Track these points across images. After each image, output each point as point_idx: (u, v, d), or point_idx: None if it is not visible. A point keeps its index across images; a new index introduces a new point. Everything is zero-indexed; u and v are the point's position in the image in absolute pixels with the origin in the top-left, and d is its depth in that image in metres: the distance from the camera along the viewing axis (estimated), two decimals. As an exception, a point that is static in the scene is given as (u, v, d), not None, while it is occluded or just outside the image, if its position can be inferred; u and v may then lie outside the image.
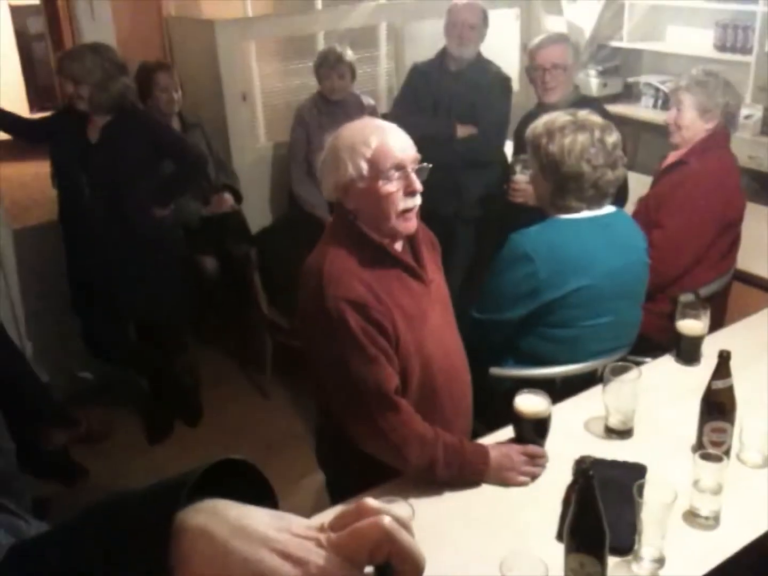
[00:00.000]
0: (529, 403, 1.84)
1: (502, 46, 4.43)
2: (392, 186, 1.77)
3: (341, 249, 1.79)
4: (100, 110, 3.12)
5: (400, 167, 1.77)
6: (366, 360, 1.73)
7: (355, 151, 1.75)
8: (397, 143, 1.78)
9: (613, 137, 2.15)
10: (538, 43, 3.28)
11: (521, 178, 2.90)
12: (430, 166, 1.84)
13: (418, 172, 1.81)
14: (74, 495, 3.22)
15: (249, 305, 3.80)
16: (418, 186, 1.80)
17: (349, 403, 1.78)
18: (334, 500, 2.04)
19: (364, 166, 1.75)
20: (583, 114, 2.18)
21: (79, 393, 3.71)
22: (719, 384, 1.80)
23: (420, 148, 3.92)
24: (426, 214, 3.72)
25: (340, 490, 2.00)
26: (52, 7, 4.20)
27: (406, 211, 1.80)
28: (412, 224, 1.83)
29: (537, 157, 2.21)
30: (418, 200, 1.82)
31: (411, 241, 1.90)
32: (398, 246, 1.89)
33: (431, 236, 2.02)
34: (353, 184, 1.77)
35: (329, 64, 3.83)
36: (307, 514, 1.91)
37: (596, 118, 2.18)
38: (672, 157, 2.81)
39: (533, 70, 3.26)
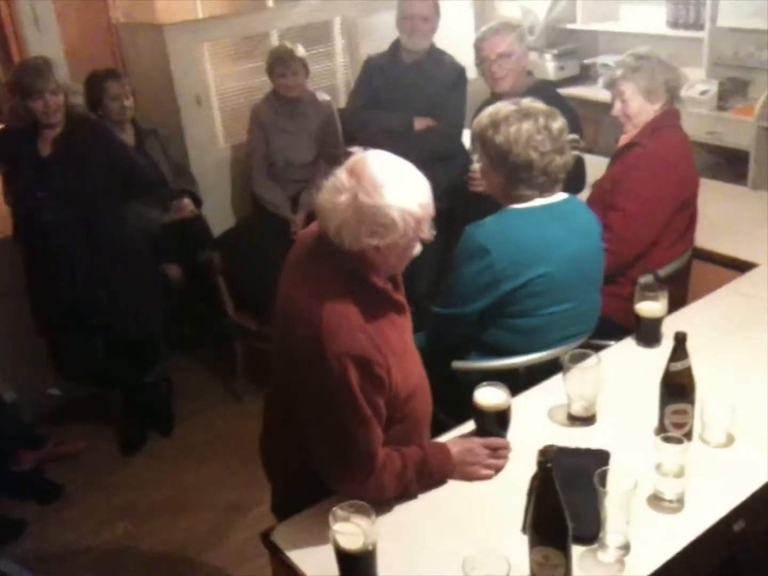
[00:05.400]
0: (488, 396, 1.83)
1: (457, 35, 4.40)
2: None
3: (339, 296, 1.65)
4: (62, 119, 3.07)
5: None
6: (360, 421, 1.66)
7: (408, 212, 1.64)
8: (430, 197, 1.72)
9: (558, 123, 2.14)
10: (480, 35, 3.24)
11: (478, 166, 2.87)
12: None
13: None
14: (51, 513, 3.19)
15: (216, 310, 3.77)
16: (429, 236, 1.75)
17: (331, 454, 1.72)
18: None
19: (412, 226, 1.67)
20: (527, 102, 2.17)
21: (49, 410, 3.68)
22: (677, 366, 1.80)
23: (380, 142, 3.87)
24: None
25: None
26: (-3, 18, 4.12)
27: None
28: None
29: (485, 150, 2.20)
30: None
31: None
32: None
33: None
34: (395, 242, 1.67)
35: (281, 62, 3.80)
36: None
37: (540, 105, 2.16)
38: (624, 139, 2.80)
39: (480, 62, 3.23)
